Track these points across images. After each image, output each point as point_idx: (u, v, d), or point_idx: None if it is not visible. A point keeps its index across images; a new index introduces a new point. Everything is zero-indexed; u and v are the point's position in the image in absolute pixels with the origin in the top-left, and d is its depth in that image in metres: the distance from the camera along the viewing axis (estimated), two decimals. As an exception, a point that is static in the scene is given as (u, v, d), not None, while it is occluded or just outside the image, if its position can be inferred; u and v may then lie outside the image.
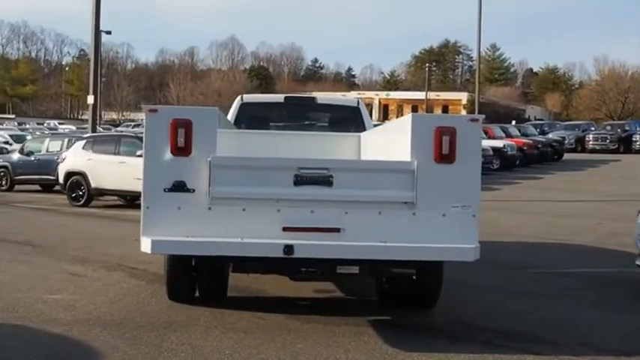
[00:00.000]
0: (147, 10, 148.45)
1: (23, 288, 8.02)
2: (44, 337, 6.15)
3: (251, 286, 8.06)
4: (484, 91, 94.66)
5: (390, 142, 7.25)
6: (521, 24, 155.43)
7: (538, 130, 46.52)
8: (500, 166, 31.19)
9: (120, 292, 7.89)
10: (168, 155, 6.05)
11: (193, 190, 6.07)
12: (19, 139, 29.77)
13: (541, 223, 15.52)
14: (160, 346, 5.93)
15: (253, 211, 6.11)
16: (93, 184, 17.49)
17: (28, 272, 9.03)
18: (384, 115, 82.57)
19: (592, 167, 34.47)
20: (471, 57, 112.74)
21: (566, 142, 44.42)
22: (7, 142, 30.78)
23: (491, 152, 30.65)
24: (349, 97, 11.41)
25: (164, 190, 6.06)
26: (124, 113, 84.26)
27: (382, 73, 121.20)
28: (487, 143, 31.91)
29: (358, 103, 10.17)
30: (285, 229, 6.10)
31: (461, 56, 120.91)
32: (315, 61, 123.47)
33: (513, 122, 51.65)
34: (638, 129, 47.23)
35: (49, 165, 20.23)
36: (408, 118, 6.51)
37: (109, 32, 55.27)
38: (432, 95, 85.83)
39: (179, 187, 6.07)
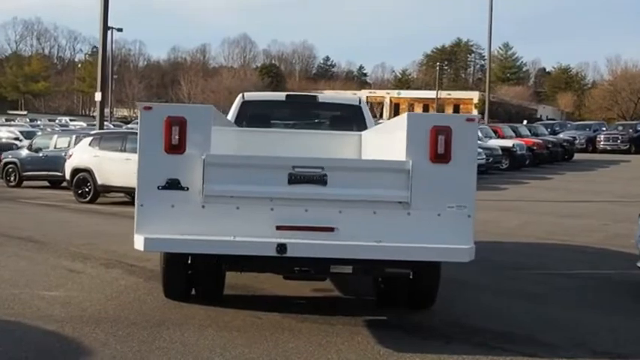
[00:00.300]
0: (159, 7, 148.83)
1: (21, 284, 8.05)
2: (37, 334, 6.16)
3: (250, 284, 8.05)
4: (496, 90, 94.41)
5: (389, 141, 7.22)
6: (534, 23, 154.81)
7: (549, 129, 46.31)
8: (509, 166, 31.10)
9: (117, 290, 7.90)
10: (162, 153, 6.05)
11: (187, 188, 6.07)
12: (29, 135, 29.93)
13: (545, 223, 15.42)
14: (151, 343, 5.93)
15: (247, 210, 6.10)
16: (99, 181, 17.54)
17: (28, 268, 9.07)
18: (396, 114, 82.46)
19: (602, 168, 34.25)
20: (483, 56, 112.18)
21: (577, 142, 44.14)
22: (17, 139, 30.97)
23: (500, 152, 30.58)
24: (351, 96, 11.39)
25: (158, 187, 6.06)
26: (136, 110, 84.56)
27: (394, 71, 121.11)
28: (496, 143, 31.88)
29: (360, 102, 10.13)
30: (278, 227, 6.08)
31: (473, 55, 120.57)
32: (327, 59, 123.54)
33: (525, 122, 51.45)
34: (650, 129, 46.92)
35: (57, 161, 20.32)
36: (403, 117, 6.47)
37: (120, 29, 55.48)
38: (444, 94, 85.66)
39: (173, 185, 6.06)
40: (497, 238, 12.90)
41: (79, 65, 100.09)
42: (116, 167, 17.02)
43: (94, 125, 32.10)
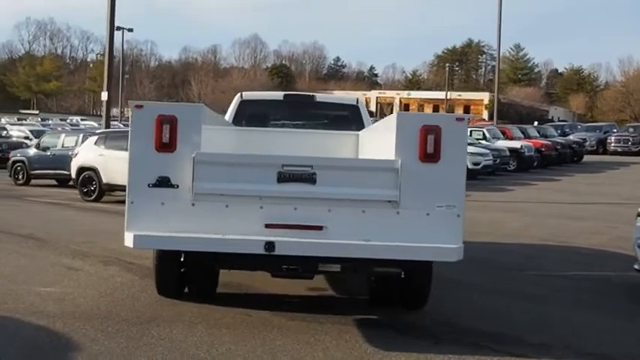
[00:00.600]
0: (171, 8, 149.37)
1: (18, 280, 8.13)
2: (28, 329, 6.24)
3: (243, 282, 8.09)
4: (507, 91, 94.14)
5: (383, 140, 7.25)
6: (546, 24, 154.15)
7: (559, 131, 46.11)
8: (517, 167, 31.00)
9: (112, 287, 7.96)
10: (153, 151, 6.10)
11: (177, 186, 6.12)
12: (39, 134, 30.09)
13: (549, 225, 15.38)
14: (139, 339, 5.99)
15: (236, 208, 6.14)
16: (104, 180, 17.64)
17: (27, 265, 9.16)
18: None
19: (612, 170, 34.08)
20: (495, 57, 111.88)
21: (587, 143, 43.96)
22: (27, 137, 31.21)
23: (507, 153, 30.51)
24: (349, 96, 11.42)
25: (148, 185, 6.12)
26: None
27: (404, 72, 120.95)
28: (504, 144, 31.79)
29: (358, 102, 10.17)
30: (267, 225, 6.13)
31: (484, 56, 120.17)
32: (337, 59, 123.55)
33: (535, 123, 51.32)
34: (661, 131, 46.64)
35: (64, 160, 20.41)
36: (393, 116, 6.50)
37: (130, 30, 55.86)
38: (454, 95, 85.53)
39: (163, 182, 6.12)
40: (499, 239, 12.90)
41: (91, 65, 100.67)
42: (121, 166, 16.90)
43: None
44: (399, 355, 5.91)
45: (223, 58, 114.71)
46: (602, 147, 46.45)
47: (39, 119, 55.85)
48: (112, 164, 17.43)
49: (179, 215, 6.12)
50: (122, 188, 17.80)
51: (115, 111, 47.78)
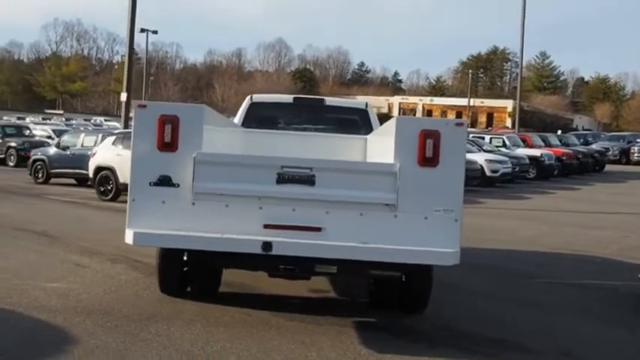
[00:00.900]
0: (197, 10, 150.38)
1: (25, 275, 8.25)
2: (28, 322, 6.34)
3: (246, 282, 8.14)
4: (531, 99, 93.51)
5: (385, 144, 7.27)
6: (573, 32, 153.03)
7: (582, 140, 45.71)
8: (536, 176, 30.79)
9: (117, 284, 8.06)
10: (155, 150, 6.19)
11: (178, 185, 6.20)
12: (61, 134, 30.48)
13: (565, 233, 15.28)
14: (136, 335, 6.06)
15: (236, 208, 6.20)
16: (121, 179, 17.78)
17: (36, 260, 9.30)
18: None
19: (634, 180, 33.73)
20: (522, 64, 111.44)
21: (609, 153, 43.56)
22: (49, 137, 31.61)
23: (527, 161, 30.31)
24: (359, 100, 11.43)
25: (150, 184, 6.20)
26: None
27: (428, 78, 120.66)
28: (524, 152, 31.59)
29: (367, 106, 10.20)
30: (266, 226, 6.18)
31: (509, 63, 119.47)
32: (362, 64, 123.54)
33: (559, 132, 50.94)
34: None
35: (83, 159, 20.61)
36: (393, 120, 6.53)
37: (155, 32, 56.39)
38: (477, 102, 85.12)
39: (164, 181, 6.20)
40: (513, 247, 12.85)
41: (116, 66, 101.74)
42: (138, 166, 17.21)
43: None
44: (392, 357, 5.92)
45: (248, 61, 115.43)
46: (625, 157, 45.98)
47: (63, 119, 56.54)
48: (129, 164, 17.56)
49: (179, 214, 6.19)
50: (138, 188, 18.02)
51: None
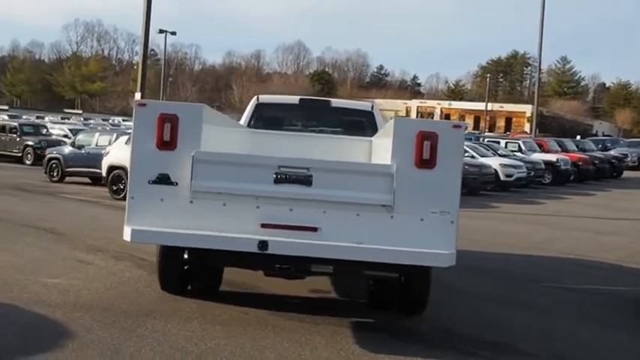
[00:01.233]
0: (216, 12, 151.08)
1: (28, 271, 8.36)
2: (28, 317, 6.43)
3: (248, 282, 8.19)
4: (551, 104, 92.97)
5: (385, 146, 7.28)
6: (595, 38, 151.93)
7: (600, 146, 45.44)
8: (552, 181, 30.63)
9: (118, 280, 8.14)
10: (154, 148, 6.25)
11: (176, 184, 6.25)
12: (77, 133, 30.78)
13: (576, 238, 15.21)
14: (133, 331, 6.13)
15: (233, 207, 6.25)
16: (133, 179, 17.90)
17: (40, 257, 9.41)
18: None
19: (651, 186, 33.48)
20: (541, 69, 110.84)
21: (628, 159, 43.22)
22: (66, 136, 31.92)
23: (542, 166, 30.16)
24: (365, 102, 11.43)
25: (149, 182, 6.26)
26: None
27: (447, 82, 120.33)
28: (539, 157, 31.45)
29: (372, 108, 10.22)
30: (263, 225, 6.22)
31: (529, 68, 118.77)
32: (381, 68, 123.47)
33: (578, 137, 50.64)
34: None
35: (98, 158, 20.78)
36: (391, 122, 6.55)
37: (173, 33, 56.76)
38: (496, 107, 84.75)
39: (163, 179, 6.25)
40: (520, 251, 12.81)
41: (135, 67, 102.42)
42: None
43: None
44: (385, 357, 5.95)
45: (267, 63, 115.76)
46: (643, 163, 45.56)
47: (81, 119, 57.06)
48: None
49: (177, 212, 6.24)
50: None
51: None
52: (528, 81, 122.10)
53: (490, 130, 73.89)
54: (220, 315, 6.88)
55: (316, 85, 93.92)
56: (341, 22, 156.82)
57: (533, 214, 20.14)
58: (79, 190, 20.28)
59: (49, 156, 22.99)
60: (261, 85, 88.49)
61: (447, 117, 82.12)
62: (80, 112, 73.93)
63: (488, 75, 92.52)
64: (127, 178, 17.94)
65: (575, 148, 37.41)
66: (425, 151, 6.13)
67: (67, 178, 22.39)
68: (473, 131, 68.53)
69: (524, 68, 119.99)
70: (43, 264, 8.90)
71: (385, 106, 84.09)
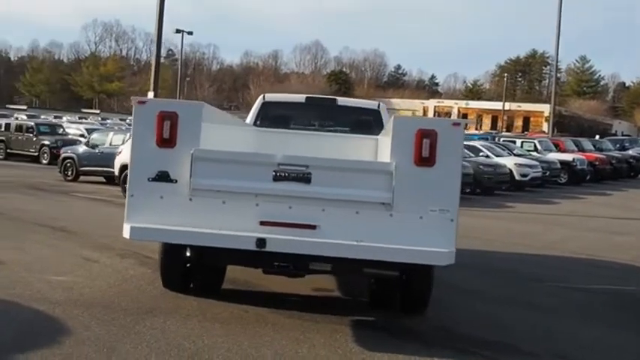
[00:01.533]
0: (234, 12, 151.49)
1: (33, 268, 8.41)
2: (28, 314, 6.46)
3: (251, 280, 8.19)
4: (570, 103, 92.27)
5: (385, 144, 7.24)
6: (615, 37, 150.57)
7: (618, 145, 44.94)
8: (568, 181, 30.40)
9: (122, 278, 8.17)
10: (153, 146, 6.27)
11: (176, 181, 6.27)
12: (92, 132, 30.96)
13: (588, 238, 15.08)
14: (131, 328, 6.15)
15: (232, 204, 6.25)
16: (145, 178, 17.98)
17: (47, 255, 9.47)
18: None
19: (670, 186, 33.10)
20: (559, 68, 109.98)
21: (646, 158, 42.69)
22: (82, 135, 32.11)
23: (558, 165, 29.94)
24: (371, 101, 11.36)
25: (148, 179, 6.28)
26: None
27: (465, 82, 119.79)
28: (555, 156, 31.22)
29: (379, 106, 10.19)
30: (262, 223, 6.22)
31: (548, 67, 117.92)
32: (398, 67, 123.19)
33: (597, 137, 50.21)
34: None
35: (111, 158, 20.90)
36: (391, 120, 6.52)
37: (190, 33, 56.99)
38: (514, 106, 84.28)
39: (162, 177, 6.27)
40: (532, 251, 12.72)
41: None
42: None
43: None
44: (382, 355, 5.92)
45: (284, 63, 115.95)
46: (662, 163, 44.98)
47: (99, 118, 57.43)
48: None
49: (177, 209, 6.26)
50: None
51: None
52: (547, 80, 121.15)
53: (508, 130, 73.47)
54: (220, 313, 6.89)
55: (333, 85, 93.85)
56: (359, 21, 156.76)
57: (548, 214, 20.00)
58: (93, 189, 20.40)
59: (63, 155, 23.14)
60: (279, 85, 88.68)
61: (465, 116, 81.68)
62: (98, 111, 74.44)
63: (506, 74, 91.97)
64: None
65: (592, 148, 37.09)
66: (424, 148, 6.10)
67: (82, 177, 22.52)
68: (490, 131, 68.23)
69: (543, 67, 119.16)
70: (49, 261, 8.95)
71: (402, 106, 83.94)
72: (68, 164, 22.72)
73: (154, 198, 6.27)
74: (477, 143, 28.44)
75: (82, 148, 23.06)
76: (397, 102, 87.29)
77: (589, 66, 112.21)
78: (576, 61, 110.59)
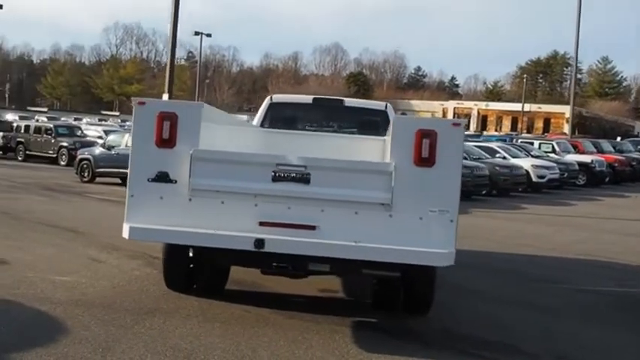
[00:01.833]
0: (254, 14, 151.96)
1: (38, 268, 8.46)
2: (27, 313, 6.51)
3: (256, 281, 8.18)
4: (591, 104, 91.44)
5: (387, 144, 7.20)
6: (637, 37, 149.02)
7: (638, 147, 44.42)
8: (586, 182, 30.15)
9: (126, 278, 8.21)
10: (153, 146, 6.29)
11: (175, 181, 6.29)
12: (109, 134, 31.17)
13: (602, 240, 14.93)
14: (129, 329, 6.17)
15: (231, 205, 6.26)
16: (159, 179, 18.04)
17: (53, 255, 9.52)
18: (483, 126, 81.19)
19: (690, 188, 32.65)
20: (581, 69, 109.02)
21: (667, 160, 42.16)
22: (100, 137, 32.34)
23: (577, 167, 29.69)
24: (378, 102, 11.33)
25: (148, 179, 6.30)
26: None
27: (486, 83, 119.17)
28: (573, 158, 30.96)
29: (386, 107, 10.16)
30: (261, 223, 6.22)
31: (569, 68, 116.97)
32: (418, 69, 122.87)
33: (619, 138, 49.74)
34: None
35: (127, 159, 20.93)
36: (391, 120, 6.50)
37: (209, 35, 57.28)
38: (535, 107, 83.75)
39: (162, 177, 6.29)
40: (543, 252, 12.63)
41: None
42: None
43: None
44: (380, 356, 5.90)
45: (304, 65, 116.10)
46: (684, 165, 44.42)
47: (119, 120, 57.86)
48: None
49: (176, 210, 6.27)
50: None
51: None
52: (568, 82, 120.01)
53: (528, 132, 73.03)
54: (221, 313, 6.89)
55: (352, 86, 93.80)
56: (378, 23, 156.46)
57: (563, 216, 19.85)
58: (108, 191, 20.52)
59: (80, 157, 23.30)
60: (298, 86, 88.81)
61: (484, 118, 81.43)
62: (117, 113, 75.03)
63: (526, 76, 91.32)
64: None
65: (612, 149, 36.71)
66: (424, 149, 6.08)
67: (98, 179, 22.65)
68: (510, 132, 67.82)
69: (564, 69, 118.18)
70: (55, 261, 9.01)
71: (422, 108, 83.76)
72: (85, 165, 22.87)
73: (154, 198, 6.29)
74: (493, 144, 28.28)
75: (98, 150, 23.21)
76: (417, 103, 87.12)
77: (611, 67, 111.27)
78: (598, 62, 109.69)
